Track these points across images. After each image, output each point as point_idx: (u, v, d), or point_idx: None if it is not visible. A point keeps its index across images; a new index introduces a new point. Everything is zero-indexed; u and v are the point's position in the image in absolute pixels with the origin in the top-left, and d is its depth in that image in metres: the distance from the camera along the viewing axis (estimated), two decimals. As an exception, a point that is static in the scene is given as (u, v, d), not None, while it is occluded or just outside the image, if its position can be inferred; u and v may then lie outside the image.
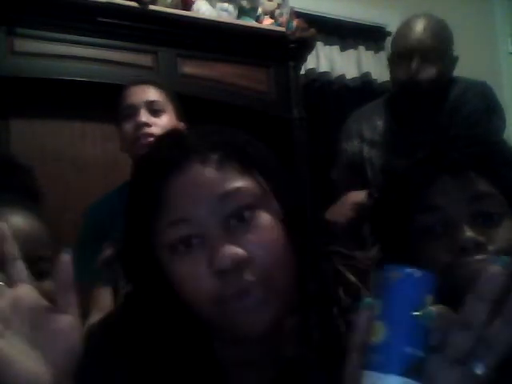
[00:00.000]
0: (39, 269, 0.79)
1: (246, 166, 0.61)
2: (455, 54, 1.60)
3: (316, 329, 0.61)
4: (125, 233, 0.64)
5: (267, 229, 0.59)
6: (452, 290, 0.66)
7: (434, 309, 0.44)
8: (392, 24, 2.99)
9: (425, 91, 1.53)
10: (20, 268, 0.52)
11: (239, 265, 0.56)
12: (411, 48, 1.53)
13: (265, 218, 0.60)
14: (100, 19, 1.83)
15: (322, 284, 0.64)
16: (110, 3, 1.83)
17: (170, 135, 0.68)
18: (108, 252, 1.27)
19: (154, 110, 1.46)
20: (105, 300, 1.36)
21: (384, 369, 0.43)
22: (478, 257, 0.70)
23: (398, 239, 0.77)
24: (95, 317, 1.27)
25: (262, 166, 0.63)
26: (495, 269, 0.43)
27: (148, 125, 1.43)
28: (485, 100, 1.59)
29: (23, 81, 1.76)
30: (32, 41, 1.77)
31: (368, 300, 0.47)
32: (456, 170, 0.76)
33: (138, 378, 0.62)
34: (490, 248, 0.72)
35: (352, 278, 0.64)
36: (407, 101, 1.61)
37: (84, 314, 1.41)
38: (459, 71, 1.70)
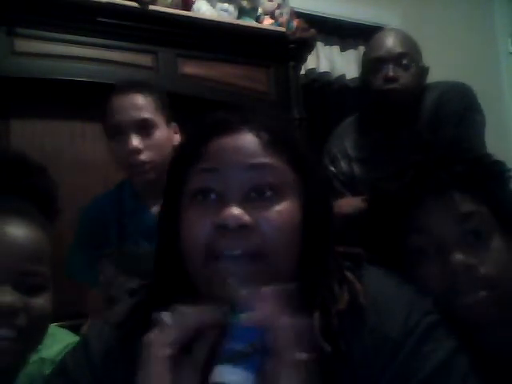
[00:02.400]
0: (29, 283, 0.77)
1: (288, 157, 0.64)
2: (425, 65, 1.66)
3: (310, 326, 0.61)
4: (167, 179, 0.69)
5: (284, 214, 0.61)
6: (451, 319, 0.66)
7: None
8: (392, 24, 2.98)
9: (400, 98, 1.57)
10: None
11: (242, 229, 0.58)
12: (384, 55, 1.59)
13: (286, 204, 0.62)
14: (100, 19, 1.83)
15: (322, 282, 0.64)
16: (109, 3, 1.83)
17: (231, 105, 0.71)
18: (108, 271, 1.25)
19: (144, 128, 1.34)
20: (101, 303, 1.35)
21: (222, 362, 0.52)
22: (480, 293, 0.72)
23: (392, 258, 0.77)
24: (94, 317, 1.27)
25: (303, 161, 0.66)
26: None
27: (139, 152, 1.32)
28: (463, 99, 1.61)
29: (23, 81, 1.76)
30: (32, 41, 1.77)
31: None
32: (442, 190, 0.76)
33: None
34: (481, 270, 0.73)
35: (358, 285, 0.64)
36: (381, 112, 1.63)
37: (83, 314, 1.41)
38: (460, 70, 1.71)
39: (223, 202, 0.60)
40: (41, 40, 1.78)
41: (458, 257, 0.72)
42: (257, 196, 0.61)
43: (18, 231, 0.78)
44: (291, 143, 0.66)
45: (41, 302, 0.79)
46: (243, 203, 0.60)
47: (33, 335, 0.79)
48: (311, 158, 0.68)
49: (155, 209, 1.38)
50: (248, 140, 0.63)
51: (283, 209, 0.61)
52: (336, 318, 0.61)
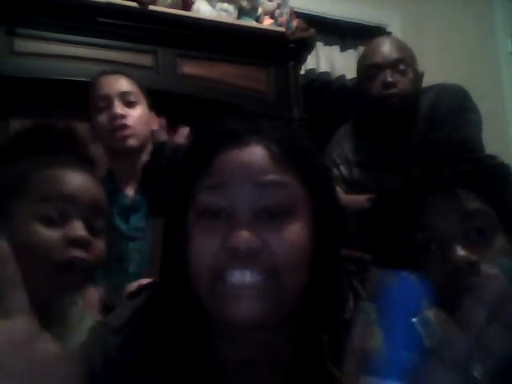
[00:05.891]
0: (93, 225, 0.85)
1: (299, 172, 0.61)
2: (420, 70, 1.68)
3: (318, 336, 0.61)
4: (170, 190, 0.65)
5: (295, 236, 0.58)
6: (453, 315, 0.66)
7: (431, 314, 0.44)
8: (392, 24, 2.99)
9: (399, 103, 1.58)
10: (19, 296, 0.47)
11: (252, 253, 0.56)
12: (381, 62, 1.61)
13: (297, 227, 0.59)
14: (100, 19, 1.84)
15: (332, 295, 0.63)
16: (109, 3, 1.83)
17: (240, 110, 0.66)
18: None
19: (128, 101, 1.45)
20: (96, 299, 1.35)
21: (382, 374, 0.43)
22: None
23: (394, 255, 0.77)
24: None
25: (314, 176, 0.62)
26: (495, 271, 0.43)
27: (123, 116, 1.42)
28: (457, 99, 1.63)
29: (23, 81, 1.76)
30: (32, 41, 1.77)
31: (364, 304, 0.48)
32: (447, 188, 0.76)
33: (139, 374, 0.62)
34: (483, 267, 0.72)
35: (363, 292, 0.64)
36: (379, 118, 1.64)
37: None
38: (460, 70, 1.71)
39: (232, 222, 0.57)
40: (41, 40, 1.78)
41: (460, 253, 0.72)
42: (267, 217, 0.58)
43: (86, 176, 0.87)
44: (302, 155, 0.62)
45: (100, 244, 0.86)
46: (253, 224, 0.57)
47: (87, 273, 0.85)
48: (321, 167, 0.65)
49: (129, 189, 1.47)
50: (257, 154, 0.60)
51: (295, 230, 0.58)
52: (343, 330, 0.60)
